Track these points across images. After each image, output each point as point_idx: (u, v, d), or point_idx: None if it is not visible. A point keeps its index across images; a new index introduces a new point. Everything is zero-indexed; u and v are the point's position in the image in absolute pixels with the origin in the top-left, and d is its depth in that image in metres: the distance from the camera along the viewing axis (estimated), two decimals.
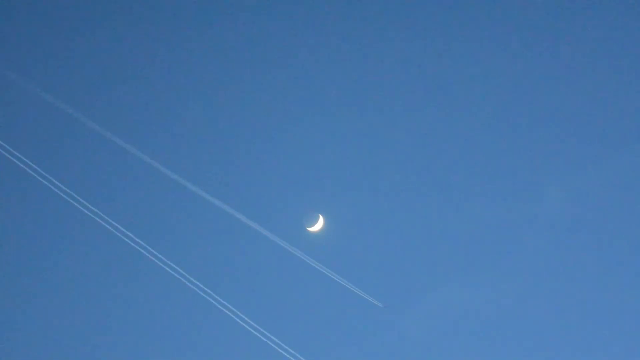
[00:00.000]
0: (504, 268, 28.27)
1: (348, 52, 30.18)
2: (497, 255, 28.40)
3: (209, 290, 26.98)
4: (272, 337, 26.84)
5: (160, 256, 26.91)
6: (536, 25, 29.71)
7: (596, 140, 28.89)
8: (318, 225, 28.56)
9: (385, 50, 30.14)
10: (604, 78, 29.23)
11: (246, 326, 26.91)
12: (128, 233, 26.81)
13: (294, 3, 30.38)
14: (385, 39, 30.16)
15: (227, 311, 26.86)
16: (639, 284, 27.66)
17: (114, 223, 26.86)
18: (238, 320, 26.91)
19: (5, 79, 28.08)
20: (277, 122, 29.75)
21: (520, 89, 29.51)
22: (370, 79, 29.96)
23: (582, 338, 27.51)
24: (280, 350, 26.72)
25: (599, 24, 29.52)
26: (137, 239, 26.81)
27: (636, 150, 28.65)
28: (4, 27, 29.26)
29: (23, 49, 29.13)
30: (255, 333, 26.91)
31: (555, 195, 28.47)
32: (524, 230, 28.45)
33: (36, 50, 29.26)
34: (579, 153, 28.81)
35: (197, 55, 30.01)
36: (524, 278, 28.10)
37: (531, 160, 28.93)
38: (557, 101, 29.33)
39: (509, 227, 28.57)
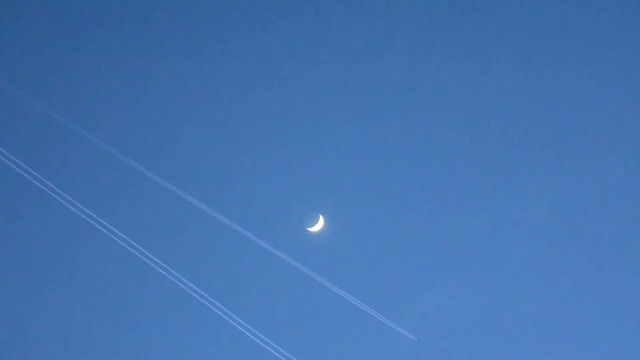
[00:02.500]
0: (491, 271, 28.48)
1: (350, 55, 30.28)
2: (484, 259, 28.60)
3: (208, 296, 27.08)
4: (266, 339, 26.88)
5: (157, 260, 27.01)
6: (519, 37, 29.79)
7: (578, 146, 29.25)
8: (318, 226, 28.52)
9: (386, 55, 30.24)
10: (586, 86, 29.40)
11: (242, 329, 26.97)
12: (126, 238, 26.97)
13: (291, 8, 30.46)
14: (384, 41, 30.19)
15: (225, 315, 26.92)
16: (623, 285, 27.78)
17: (118, 232, 27.06)
18: (235, 324, 26.97)
19: (6, 90, 28.26)
20: (278, 123, 29.81)
21: (505, 98, 29.70)
22: (369, 85, 30.07)
23: (567, 338, 27.73)
24: (272, 350, 26.76)
25: (582, 37, 29.61)
26: (133, 242, 26.95)
27: (617, 155, 28.86)
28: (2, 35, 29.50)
29: (22, 60, 29.35)
30: (249, 334, 26.96)
31: (539, 200, 28.72)
32: (509, 235, 28.70)
33: (36, 62, 29.49)
34: (562, 159, 29.17)
35: (195, 61, 30.18)
36: (510, 281, 28.39)
37: (515, 166, 29.26)
38: (539, 109, 29.45)
39: (495, 231, 28.80)
